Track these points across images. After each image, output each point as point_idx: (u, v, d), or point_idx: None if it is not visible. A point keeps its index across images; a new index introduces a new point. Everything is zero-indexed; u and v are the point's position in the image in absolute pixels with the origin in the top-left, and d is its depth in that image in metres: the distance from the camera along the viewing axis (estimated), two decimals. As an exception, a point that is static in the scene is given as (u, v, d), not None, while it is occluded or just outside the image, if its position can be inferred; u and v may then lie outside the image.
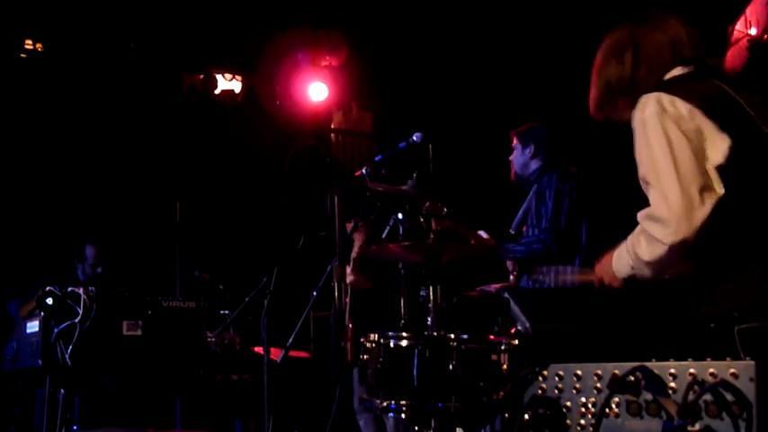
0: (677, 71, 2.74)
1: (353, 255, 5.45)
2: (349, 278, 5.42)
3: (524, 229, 4.98)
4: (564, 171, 4.91)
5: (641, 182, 2.64)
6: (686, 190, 2.49)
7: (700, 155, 2.53)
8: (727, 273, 2.55)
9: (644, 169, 2.61)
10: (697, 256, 2.61)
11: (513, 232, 5.05)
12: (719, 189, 2.52)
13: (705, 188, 2.51)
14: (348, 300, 5.44)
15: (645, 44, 2.77)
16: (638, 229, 2.64)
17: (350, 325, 5.42)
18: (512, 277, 5.02)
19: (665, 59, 2.75)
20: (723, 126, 2.53)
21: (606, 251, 2.92)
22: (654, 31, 2.79)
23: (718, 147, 2.53)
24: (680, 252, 2.54)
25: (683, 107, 2.56)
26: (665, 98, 2.58)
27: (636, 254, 2.63)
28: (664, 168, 2.53)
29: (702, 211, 2.49)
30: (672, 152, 2.52)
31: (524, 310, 4.04)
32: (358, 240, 5.55)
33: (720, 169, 2.52)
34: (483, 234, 4.87)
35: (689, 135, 2.54)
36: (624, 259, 2.71)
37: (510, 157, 5.16)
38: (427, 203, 3.68)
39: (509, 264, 5.06)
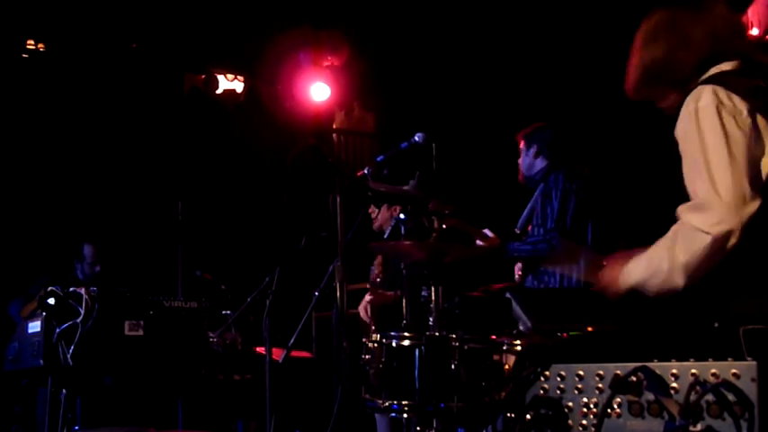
0: (725, 66, 2.66)
1: (373, 277, 5.44)
2: (368, 297, 5.45)
3: (530, 228, 4.97)
4: (570, 170, 4.91)
5: (685, 176, 2.53)
6: (739, 181, 2.40)
7: (756, 153, 2.47)
8: (734, 274, 2.52)
9: (692, 159, 2.51)
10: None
11: (518, 231, 5.05)
12: (762, 194, 2.43)
13: (757, 185, 2.43)
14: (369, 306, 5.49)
15: (688, 28, 2.70)
16: (670, 232, 2.50)
17: (373, 326, 5.46)
18: (517, 276, 5.02)
19: (707, 47, 2.68)
20: None
21: (611, 252, 2.90)
22: (697, 17, 2.71)
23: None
24: (722, 248, 2.39)
25: (739, 103, 2.49)
26: (722, 92, 2.51)
27: (670, 256, 2.48)
28: (717, 158, 2.44)
29: (752, 207, 2.40)
30: (728, 143, 2.44)
31: (526, 310, 4.03)
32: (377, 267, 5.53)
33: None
34: (488, 233, 4.87)
35: (746, 131, 2.46)
36: (642, 266, 2.57)
37: (518, 160, 5.16)
38: (432, 203, 3.68)
39: (516, 266, 5.06)
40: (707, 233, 2.40)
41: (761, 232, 2.45)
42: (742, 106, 2.49)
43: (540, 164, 5.02)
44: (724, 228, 2.38)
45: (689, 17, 2.72)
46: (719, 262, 2.46)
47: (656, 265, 2.54)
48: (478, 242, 4.91)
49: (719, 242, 2.39)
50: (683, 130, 2.57)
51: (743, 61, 2.69)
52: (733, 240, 2.38)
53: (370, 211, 5.72)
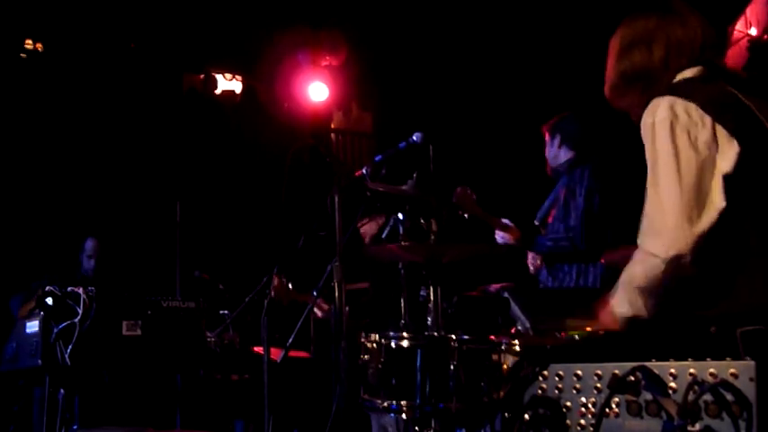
0: (687, 73, 2.68)
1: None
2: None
3: (550, 220, 4.93)
4: (597, 166, 4.85)
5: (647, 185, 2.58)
6: (686, 204, 2.45)
7: (707, 168, 2.48)
8: (730, 277, 2.52)
9: (649, 176, 2.56)
10: (700, 260, 2.58)
11: (537, 223, 5.01)
12: (721, 203, 2.46)
13: (706, 204, 2.47)
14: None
15: (669, 36, 2.70)
16: (631, 261, 2.58)
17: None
18: (532, 268, 4.98)
19: (682, 56, 2.69)
20: (734, 132, 2.49)
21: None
22: (676, 25, 2.71)
23: (727, 155, 2.48)
24: (675, 269, 2.47)
25: (696, 114, 2.50)
26: (679, 104, 2.52)
27: (629, 282, 2.57)
28: (666, 179, 2.49)
29: (699, 227, 2.45)
30: (677, 163, 2.47)
31: (524, 309, 4.03)
32: None
33: (727, 178, 2.47)
34: (507, 222, 4.85)
35: (699, 146, 2.49)
36: (621, 296, 2.63)
37: (545, 152, 5.11)
38: (433, 201, 3.67)
39: (530, 256, 5.02)
40: (658, 257, 2.48)
41: (747, 233, 2.49)
42: (698, 116, 2.50)
43: (564, 155, 4.96)
44: (672, 251, 2.45)
45: (669, 24, 2.73)
46: (709, 266, 2.52)
47: (629, 297, 2.61)
48: (498, 233, 4.87)
49: (671, 264, 2.47)
50: (643, 141, 2.60)
51: (706, 66, 2.70)
52: (686, 260, 2.46)
53: (359, 225, 5.67)
